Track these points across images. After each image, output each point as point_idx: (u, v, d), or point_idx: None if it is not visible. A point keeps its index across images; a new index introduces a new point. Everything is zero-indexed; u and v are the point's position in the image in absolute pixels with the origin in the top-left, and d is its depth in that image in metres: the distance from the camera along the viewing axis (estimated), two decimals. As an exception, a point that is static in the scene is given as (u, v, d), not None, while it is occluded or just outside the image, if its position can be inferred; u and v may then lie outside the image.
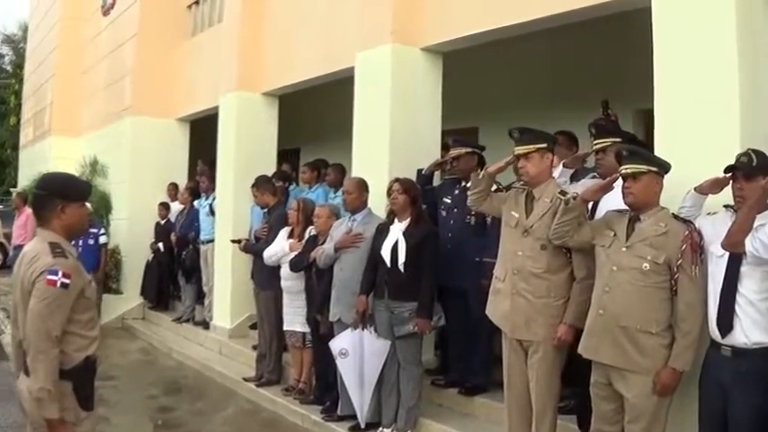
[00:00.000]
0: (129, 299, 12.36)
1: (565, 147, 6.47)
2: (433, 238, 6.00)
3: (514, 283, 4.82)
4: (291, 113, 9.99)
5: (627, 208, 4.47)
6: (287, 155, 11.14)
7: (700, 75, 4.65)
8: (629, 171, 4.33)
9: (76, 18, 16.02)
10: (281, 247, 7.29)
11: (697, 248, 4.18)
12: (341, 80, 8.33)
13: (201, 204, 10.55)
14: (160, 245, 11.60)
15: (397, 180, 6.06)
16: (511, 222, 4.95)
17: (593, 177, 5.38)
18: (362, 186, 6.48)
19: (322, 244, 6.77)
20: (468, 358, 6.36)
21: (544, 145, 4.88)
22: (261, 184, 7.95)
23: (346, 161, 8.55)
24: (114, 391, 8.07)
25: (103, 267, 11.34)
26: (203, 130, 11.63)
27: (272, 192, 7.98)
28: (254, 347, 8.49)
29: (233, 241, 8.29)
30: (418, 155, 6.96)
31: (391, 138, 6.90)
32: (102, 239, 11.18)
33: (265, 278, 7.50)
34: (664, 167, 4.37)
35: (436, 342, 7.13)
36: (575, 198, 4.58)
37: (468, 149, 6.37)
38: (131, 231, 12.40)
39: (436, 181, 7.03)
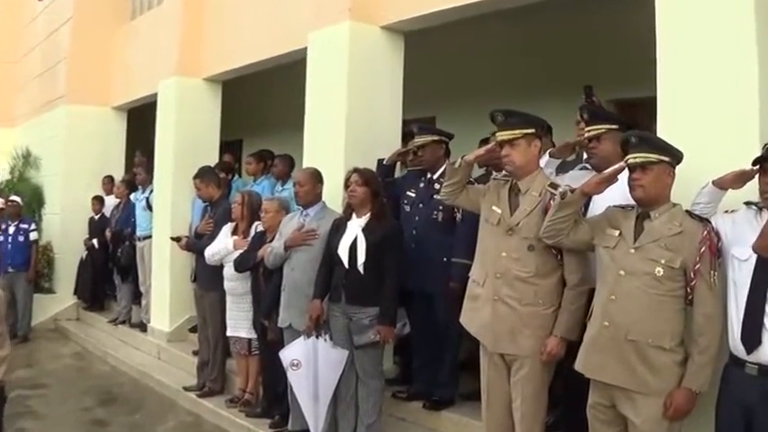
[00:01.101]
0: (62, 298, 11.37)
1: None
2: (396, 235, 5.18)
3: (497, 289, 4.06)
4: (233, 102, 9.05)
5: (629, 203, 3.79)
6: (228, 147, 10.18)
7: (710, 55, 3.99)
8: (637, 160, 3.62)
9: (10, 3, 14.76)
10: (224, 245, 6.39)
11: (716, 251, 3.51)
12: (289, 64, 7.50)
13: (138, 198, 9.55)
14: (94, 241, 10.62)
15: (355, 170, 5.23)
16: (492, 219, 4.17)
17: (583, 169, 4.64)
18: (316, 178, 5.63)
19: (270, 241, 5.92)
20: (434, 368, 5.56)
21: (532, 130, 4.13)
22: (205, 175, 7.02)
23: (294, 152, 7.87)
24: (44, 402, 7.22)
25: (34, 265, 10.56)
26: (141, 120, 10.63)
27: (217, 184, 7.07)
28: (195, 353, 7.57)
29: (173, 239, 7.33)
30: (377, 144, 6.14)
31: (347, 125, 6.06)
32: (33, 235, 10.45)
33: (210, 278, 6.58)
34: (676, 157, 3.66)
35: (395, 348, 6.29)
36: (572, 191, 3.82)
37: (435, 137, 5.56)
38: (64, 227, 11.40)
39: (398, 173, 6.20)
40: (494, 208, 4.18)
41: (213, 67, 8.44)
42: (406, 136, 6.35)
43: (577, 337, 3.89)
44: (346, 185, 5.23)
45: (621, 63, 6.68)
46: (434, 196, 5.43)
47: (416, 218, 5.53)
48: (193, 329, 8.21)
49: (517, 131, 4.07)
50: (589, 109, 4.41)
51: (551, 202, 3.97)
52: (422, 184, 5.64)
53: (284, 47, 7.00)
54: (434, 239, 5.43)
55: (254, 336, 6.27)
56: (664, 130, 4.09)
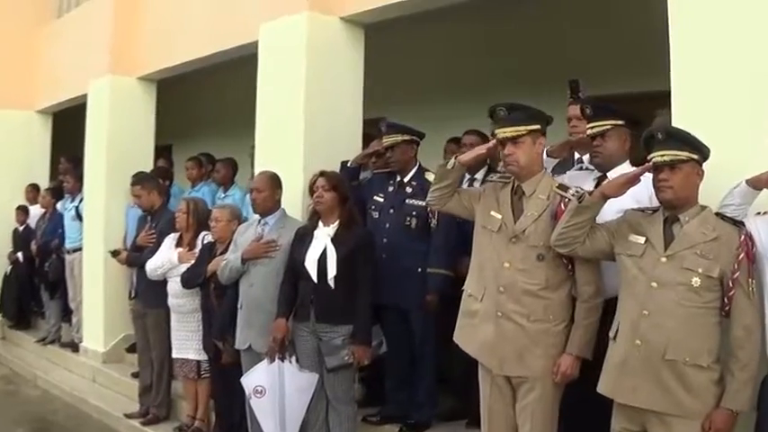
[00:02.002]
0: (-16, 317, 10.24)
1: None
2: (369, 244, 4.59)
3: (500, 304, 3.50)
4: (163, 104, 8.25)
5: (639, 205, 3.39)
6: (158, 153, 9.35)
7: (729, 42, 3.54)
8: (665, 159, 3.13)
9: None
10: (167, 258, 5.67)
11: (752, 257, 3.06)
12: (227, 62, 6.88)
13: (66, 207, 8.64)
14: (19, 254, 9.62)
15: (322, 174, 4.60)
16: (491, 225, 3.62)
17: (582, 169, 4.13)
18: (275, 183, 4.97)
19: (221, 253, 5.22)
20: (410, 389, 4.95)
21: (537, 126, 3.59)
22: (146, 181, 6.28)
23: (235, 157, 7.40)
24: (-33, 433, 6.32)
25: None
26: (67, 124, 9.71)
27: (159, 191, 6.33)
28: (135, 375, 6.80)
29: (112, 253, 6.51)
30: (338, 144, 5.52)
31: (307, 124, 5.41)
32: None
33: (154, 295, 5.83)
34: (705, 154, 3.18)
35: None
36: (590, 193, 3.31)
37: (406, 136, 4.96)
38: (-15, 239, 10.25)
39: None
40: (493, 213, 3.62)
41: (149, 65, 7.64)
42: (365, 136, 5.75)
43: (589, 354, 3.44)
44: (311, 191, 4.60)
45: (595, 58, 6.32)
46: (406, 201, 4.88)
47: (387, 225, 4.92)
48: (131, 349, 7.42)
49: (521, 128, 3.52)
50: (593, 104, 3.88)
51: (561, 205, 3.47)
52: (391, 188, 5.04)
53: (231, 41, 6.27)
54: (408, 248, 4.84)
55: (203, 357, 5.56)
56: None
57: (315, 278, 4.41)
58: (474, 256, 3.73)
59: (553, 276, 3.48)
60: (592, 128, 3.80)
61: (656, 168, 3.15)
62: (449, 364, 5.03)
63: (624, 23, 6.17)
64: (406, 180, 4.98)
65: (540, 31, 6.71)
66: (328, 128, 5.48)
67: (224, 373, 5.26)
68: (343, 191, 4.57)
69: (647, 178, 3.33)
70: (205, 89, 9.00)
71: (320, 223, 4.57)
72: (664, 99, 4.43)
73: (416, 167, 5.01)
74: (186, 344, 5.61)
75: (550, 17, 6.57)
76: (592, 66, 6.29)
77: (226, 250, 5.23)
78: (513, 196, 3.61)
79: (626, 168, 3.74)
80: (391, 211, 4.94)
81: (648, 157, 3.20)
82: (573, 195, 3.42)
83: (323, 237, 4.49)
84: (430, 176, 4.84)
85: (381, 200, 5.03)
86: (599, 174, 3.86)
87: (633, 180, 3.28)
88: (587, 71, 6.17)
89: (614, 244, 3.30)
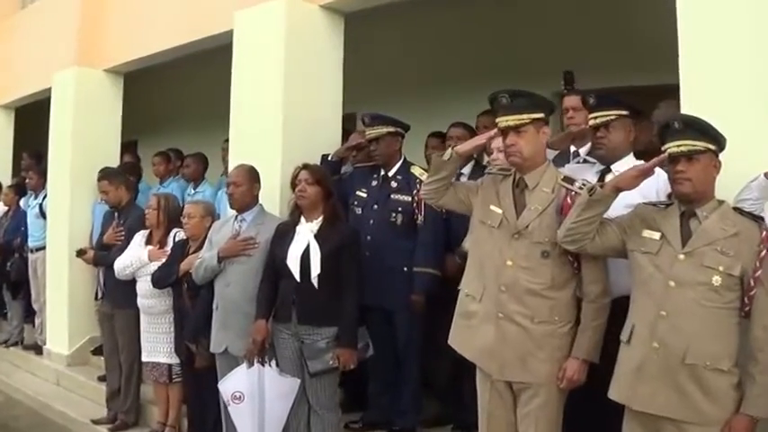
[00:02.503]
0: (-56, 318, 9.68)
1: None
2: (354, 242, 4.31)
3: (502, 304, 3.24)
4: (127, 98, 7.82)
5: (647, 199, 3.18)
6: (123, 148, 8.93)
7: (740, 30, 3.34)
8: (682, 149, 2.89)
9: None
10: (136, 257, 5.32)
11: None
12: (197, 54, 6.56)
13: (29, 204, 8.18)
14: (-21, 254, 9.06)
15: (305, 167, 4.31)
16: (491, 221, 3.36)
17: (581, 162, 3.90)
18: (253, 177, 4.67)
19: (195, 252, 4.90)
20: (394, 393, 4.67)
21: (541, 114, 3.34)
22: (114, 176, 5.93)
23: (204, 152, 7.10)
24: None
25: None
26: (30, 119, 9.23)
27: (128, 186, 5.98)
28: (101, 379, 6.43)
29: (77, 253, 6.11)
30: (317, 137, 5.21)
31: (285, 116, 5.09)
32: None
33: (123, 295, 5.46)
34: (721, 145, 2.96)
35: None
36: (601, 186, 3.06)
37: (390, 128, 4.68)
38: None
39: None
40: (492, 208, 3.36)
41: (117, 57, 7.24)
42: (342, 131, 5.47)
43: (595, 357, 3.20)
44: (293, 184, 4.29)
45: (563, 54, 6.18)
46: (391, 196, 4.60)
47: (371, 221, 4.64)
48: (97, 351, 7.04)
49: (525, 116, 3.27)
50: (596, 93, 3.64)
51: (568, 199, 3.23)
52: (374, 183, 4.76)
53: (204, 30, 5.92)
54: (393, 246, 4.57)
55: (175, 361, 5.22)
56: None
57: (298, 277, 4.11)
58: (472, 253, 3.47)
59: (558, 275, 3.23)
60: (595, 118, 3.58)
61: (673, 160, 2.91)
62: (433, 368, 4.78)
63: (617, 15, 5.96)
64: (390, 174, 4.72)
65: (528, 22, 6.50)
66: (308, 120, 5.17)
67: (197, 377, 4.95)
68: (328, 185, 4.28)
69: (655, 176, 3.17)
70: (171, 82, 8.61)
71: (302, 219, 4.28)
72: (658, 93, 4.26)
73: (401, 161, 4.75)
74: (157, 346, 5.27)
75: (537, 8, 6.33)
76: (582, 57, 6.08)
77: (200, 248, 4.91)
78: (515, 189, 3.35)
79: (630, 161, 3.55)
80: (375, 206, 4.66)
81: (663, 148, 2.96)
82: (580, 188, 3.20)
83: (306, 233, 4.19)
84: (416, 170, 4.61)
85: (364, 195, 4.75)
86: (602, 166, 3.64)
87: (647, 172, 3.05)
88: (577, 62, 5.96)
89: (626, 240, 3.07)
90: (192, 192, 6.99)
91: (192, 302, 4.89)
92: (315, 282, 4.10)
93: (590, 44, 6.15)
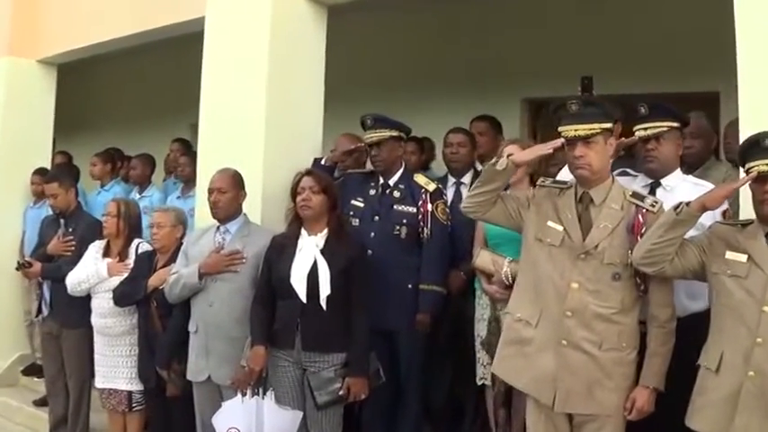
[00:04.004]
0: None
1: (489, 137, 4.88)
2: (364, 258, 3.85)
3: (568, 331, 2.93)
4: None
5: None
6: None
7: None
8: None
9: None
10: (93, 271, 4.65)
11: None
12: (138, 47, 6.00)
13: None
14: None
15: (309, 173, 3.82)
16: (550, 239, 3.01)
17: (623, 174, 3.54)
18: (239, 183, 4.15)
19: (165, 266, 4.34)
20: (395, 421, 4.21)
21: (610, 125, 3.02)
22: (64, 177, 5.24)
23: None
24: None
25: None
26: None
27: (75, 189, 5.27)
28: (38, 403, 5.69)
29: (20, 266, 5.30)
30: (300, 138, 4.73)
31: (268, 116, 4.53)
32: None
33: (75, 312, 4.79)
34: None
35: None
36: (687, 204, 2.76)
37: (394, 132, 4.22)
38: None
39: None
40: (551, 224, 3.00)
41: (53, 47, 6.47)
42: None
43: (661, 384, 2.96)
44: (295, 193, 3.76)
45: (532, 60, 6.03)
46: (394, 207, 4.16)
47: (372, 234, 4.16)
48: (28, 371, 6.27)
49: (596, 126, 2.95)
50: (648, 101, 3.33)
51: (639, 217, 2.93)
52: (372, 191, 4.29)
53: (163, 18, 5.29)
54: (396, 261, 4.13)
55: (136, 387, 4.59)
56: (747, 128, 3.09)
57: (304, 298, 3.59)
58: (524, 274, 3.12)
59: (627, 298, 2.95)
60: (646, 128, 3.29)
61: (763, 179, 2.65)
62: (431, 390, 4.38)
63: (617, 19, 5.75)
64: (391, 183, 4.25)
65: (517, 24, 6.24)
66: (291, 120, 4.66)
67: (165, 406, 4.35)
68: (334, 194, 3.81)
69: (702, 189, 2.97)
70: (102, 76, 7.89)
71: (303, 231, 3.75)
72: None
73: (403, 168, 4.30)
74: (115, 371, 4.62)
75: (527, 10, 6.04)
76: (579, 61, 5.81)
77: (170, 261, 4.37)
78: (578, 205, 2.96)
79: (679, 175, 3.31)
80: (376, 218, 4.20)
81: (749, 166, 2.67)
82: (652, 206, 2.95)
83: (310, 248, 3.69)
84: (420, 179, 4.19)
85: (361, 205, 4.27)
86: (648, 180, 3.33)
87: (734, 191, 2.82)
88: (573, 66, 5.68)
89: (707, 262, 2.81)
90: (138, 196, 6.34)
91: (162, 323, 4.29)
92: (323, 304, 3.58)
93: (585, 48, 5.93)
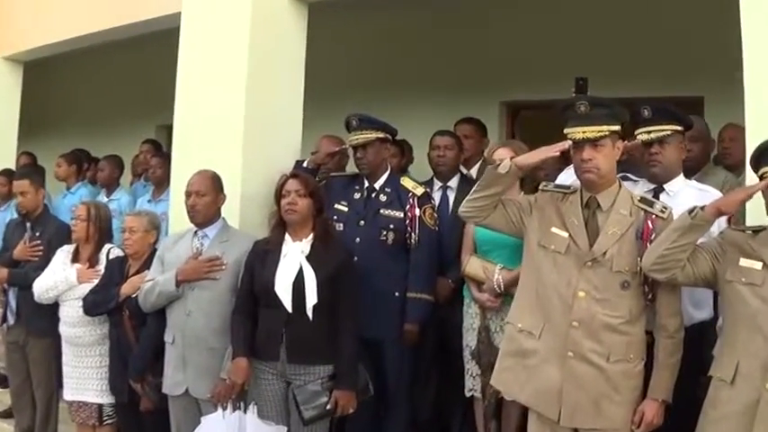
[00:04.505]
0: None
1: (475, 140, 4.79)
2: (352, 264, 3.68)
3: (574, 342, 2.80)
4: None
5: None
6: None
7: None
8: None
9: None
10: (62, 277, 4.41)
11: None
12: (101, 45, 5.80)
13: None
14: None
15: (294, 176, 3.63)
16: (555, 245, 2.89)
17: (624, 179, 3.41)
18: (218, 185, 3.95)
19: (137, 272, 4.13)
20: (375, 434, 4.03)
21: (618, 127, 2.89)
22: (35, 176, 4.98)
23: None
24: None
25: None
26: None
27: (44, 190, 5.03)
28: (2, 415, 5.47)
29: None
30: (278, 140, 4.55)
31: (247, 115, 4.34)
32: None
33: (43, 320, 4.54)
34: None
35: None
36: (702, 209, 2.65)
37: (381, 134, 4.06)
38: None
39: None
40: (555, 230, 2.87)
41: (21, 43, 6.20)
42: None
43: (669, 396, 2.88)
44: (279, 195, 3.57)
45: (507, 62, 6.00)
46: (381, 211, 3.99)
47: (357, 240, 3.99)
48: (-11, 382, 5.99)
49: (605, 128, 2.82)
50: (654, 105, 3.21)
51: (648, 223, 2.81)
52: (357, 195, 4.12)
53: (143, 13, 5.07)
54: (383, 268, 3.97)
55: (107, 400, 4.36)
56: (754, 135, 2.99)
57: (289, 307, 3.41)
58: (526, 282, 2.99)
59: (635, 307, 2.83)
60: (649, 132, 3.17)
61: None
62: (416, 400, 4.25)
63: (596, 22, 5.66)
64: (377, 186, 4.08)
65: (497, 25, 6.15)
66: (269, 120, 4.47)
67: (138, 420, 4.13)
68: (320, 198, 3.63)
69: (706, 194, 2.98)
70: (63, 75, 7.62)
71: (287, 237, 3.56)
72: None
73: (389, 171, 4.14)
74: (85, 383, 4.38)
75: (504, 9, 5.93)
76: (555, 65, 5.70)
77: (142, 268, 4.16)
78: (585, 210, 2.82)
79: (681, 180, 3.20)
80: (362, 223, 4.03)
81: (762, 172, 2.58)
82: (662, 211, 2.83)
83: (296, 255, 3.50)
84: (407, 182, 4.03)
85: (345, 209, 4.10)
86: (650, 185, 3.21)
87: (750, 196, 2.69)
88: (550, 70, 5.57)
89: (719, 269, 2.70)
90: (106, 199, 6.11)
91: (135, 333, 4.07)
92: (310, 313, 3.40)
93: (567, 51, 5.85)
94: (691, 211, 2.64)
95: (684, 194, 3.12)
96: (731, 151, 4.18)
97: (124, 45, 5.81)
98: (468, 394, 3.96)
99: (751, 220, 2.93)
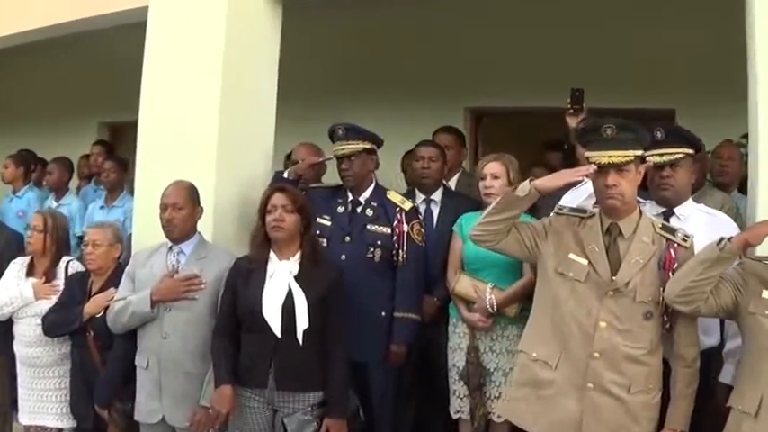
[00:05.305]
0: None
1: (455, 150, 4.67)
2: (341, 285, 3.46)
3: (595, 373, 2.72)
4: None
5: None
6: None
7: None
8: None
9: None
10: (17, 293, 4.10)
11: None
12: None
13: None
14: None
15: (282, 190, 3.41)
16: (574, 273, 2.78)
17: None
18: (195, 197, 3.71)
19: (102, 290, 3.88)
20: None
21: (642, 151, 2.81)
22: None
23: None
24: None
25: None
26: None
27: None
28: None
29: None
30: (252, 149, 4.32)
31: (222, 120, 4.09)
32: None
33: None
34: None
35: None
36: (729, 240, 2.60)
37: (368, 145, 3.88)
38: None
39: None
40: (573, 257, 2.75)
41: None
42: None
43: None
44: (264, 211, 3.36)
45: (472, 66, 5.91)
46: (367, 227, 3.81)
47: (342, 257, 3.80)
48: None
49: (630, 153, 2.72)
50: (664, 126, 3.14)
51: (671, 251, 2.73)
52: (341, 209, 3.93)
53: (104, 7, 4.74)
54: (370, 287, 3.80)
55: (67, 424, 4.09)
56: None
57: (278, 331, 3.20)
58: (542, 310, 2.88)
59: (656, 337, 2.77)
60: (661, 155, 3.08)
61: None
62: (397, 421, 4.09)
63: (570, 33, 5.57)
64: (362, 200, 3.90)
65: (462, 30, 6.01)
66: (244, 127, 4.22)
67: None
68: (309, 214, 3.43)
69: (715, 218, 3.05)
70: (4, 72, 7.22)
71: (272, 255, 3.35)
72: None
73: (374, 184, 3.96)
74: (43, 406, 4.10)
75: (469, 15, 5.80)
76: (518, 72, 5.63)
77: (107, 285, 3.89)
78: (607, 237, 2.70)
79: (691, 204, 3.16)
80: (347, 239, 3.85)
81: None
82: (684, 239, 2.76)
83: (283, 274, 3.30)
84: (394, 196, 3.88)
85: (328, 224, 3.90)
86: (661, 209, 3.13)
87: None
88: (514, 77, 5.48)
89: (741, 301, 2.66)
90: (55, 204, 5.81)
91: (100, 356, 3.81)
92: (300, 338, 3.20)
93: (535, 59, 5.81)
94: (718, 243, 2.57)
95: (695, 219, 3.06)
96: (729, 170, 4.15)
97: (64, 42, 5.44)
98: (455, 416, 3.83)
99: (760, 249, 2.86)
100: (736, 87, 4.98)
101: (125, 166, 5.77)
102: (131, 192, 5.63)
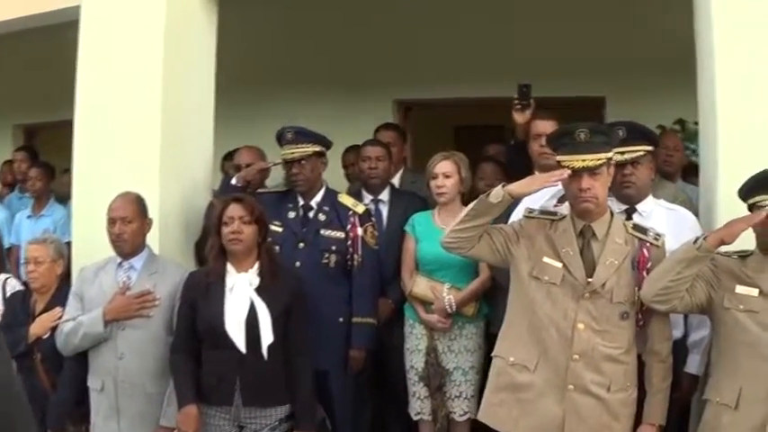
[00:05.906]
0: None
1: (398, 147, 4.76)
2: (303, 296, 3.39)
3: (575, 374, 2.75)
4: None
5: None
6: None
7: None
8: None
9: None
10: (-48, 313, 3.90)
11: None
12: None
13: None
14: None
15: (238, 201, 3.31)
16: (549, 276, 2.80)
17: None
18: (143, 209, 3.58)
19: (46, 310, 3.73)
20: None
21: (612, 154, 2.82)
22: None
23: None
24: None
25: None
26: None
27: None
28: None
29: None
30: (190, 155, 4.17)
31: (163, 127, 3.93)
32: None
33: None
34: None
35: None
36: (704, 239, 2.65)
37: (318, 148, 3.81)
38: None
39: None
40: (547, 260, 2.78)
41: None
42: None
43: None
44: (219, 223, 3.27)
45: (405, 61, 5.92)
46: (321, 232, 3.75)
47: (297, 264, 3.73)
48: None
49: (602, 156, 2.74)
50: (627, 124, 3.18)
51: (644, 251, 2.78)
52: (292, 214, 3.85)
53: (34, 7, 4.50)
54: (327, 293, 3.72)
55: (12, 450, 3.88)
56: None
57: (243, 347, 3.12)
58: (517, 314, 2.88)
59: (631, 336, 2.82)
60: (622, 153, 3.09)
61: None
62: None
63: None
64: (314, 204, 3.84)
65: (391, 21, 6.00)
66: (182, 132, 4.08)
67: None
68: (265, 224, 3.34)
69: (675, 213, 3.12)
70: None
71: (229, 268, 3.27)
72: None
73: (324, 188, 3.90)
74: (-16, 433, 3.88)
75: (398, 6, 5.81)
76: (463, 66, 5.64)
77: (51, 304, 3.74)
78: (580, 239, 2.75)
79: (651, 200, 3.20)
80: (301, 245, 3.77)
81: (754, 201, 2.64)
82: (655, 239, 2.80)
83: (244, 288, 3.22)
84: (346, 200, 3.85)
85: (280, 229, 3.81)
86: (623, 206, 3.19)
87: (749, 225, 2.67)
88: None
89: (715, 297, 2.72)
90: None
91: (49, 379, 3.67)
92: (265, 353, 3.14)
93: (463, 49, 5.84)
94: (695, 242, 2.63)
95: (656, 215, 3.10)
96: (674, 159, 4.26)
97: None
98: (415, 417, 3.83)
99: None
100: (665, 73, 5.17)
101: (51, 173, 5.55)
102: (59, 200, 5.44)
